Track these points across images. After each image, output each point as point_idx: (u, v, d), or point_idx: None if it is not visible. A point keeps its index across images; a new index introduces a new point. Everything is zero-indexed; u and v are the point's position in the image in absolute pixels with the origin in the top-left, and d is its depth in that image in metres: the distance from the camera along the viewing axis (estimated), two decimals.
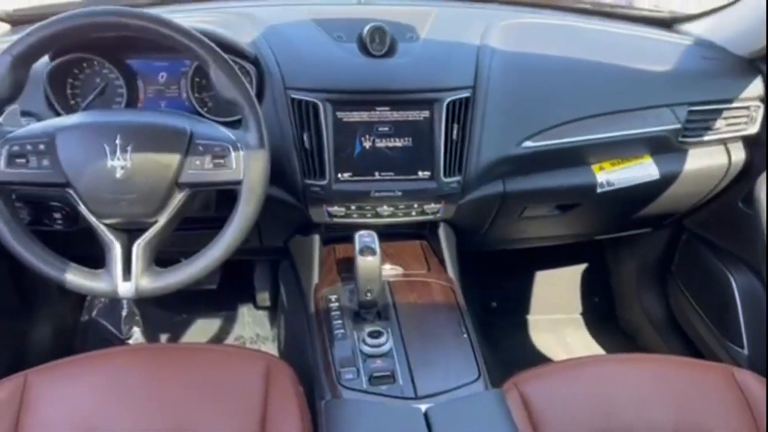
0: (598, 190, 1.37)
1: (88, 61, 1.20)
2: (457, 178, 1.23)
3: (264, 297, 1.95)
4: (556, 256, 1.99)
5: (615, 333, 2.02)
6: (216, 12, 1.34)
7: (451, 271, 1.34)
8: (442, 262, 1.36)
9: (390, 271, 1.31)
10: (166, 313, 1.96)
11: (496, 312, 2.04)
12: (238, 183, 0.98)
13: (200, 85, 1.23)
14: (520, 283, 2.07)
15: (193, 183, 0.99)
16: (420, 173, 1.22)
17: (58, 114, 1.16)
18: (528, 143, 1.26)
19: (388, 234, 1.35)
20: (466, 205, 1.30)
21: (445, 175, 1.22)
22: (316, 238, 1.38)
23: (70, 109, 1.19)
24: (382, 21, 1.23)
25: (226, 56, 0.96)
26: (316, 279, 1.31)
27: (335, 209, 1.25)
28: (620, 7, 1.62)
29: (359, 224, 1.27)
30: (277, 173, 1.13)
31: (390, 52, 1.22)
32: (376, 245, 1.11)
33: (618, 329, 2.04)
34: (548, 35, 1.39)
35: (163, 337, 1.91)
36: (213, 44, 0.95)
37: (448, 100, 1.19)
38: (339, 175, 1.21)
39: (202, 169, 0.98)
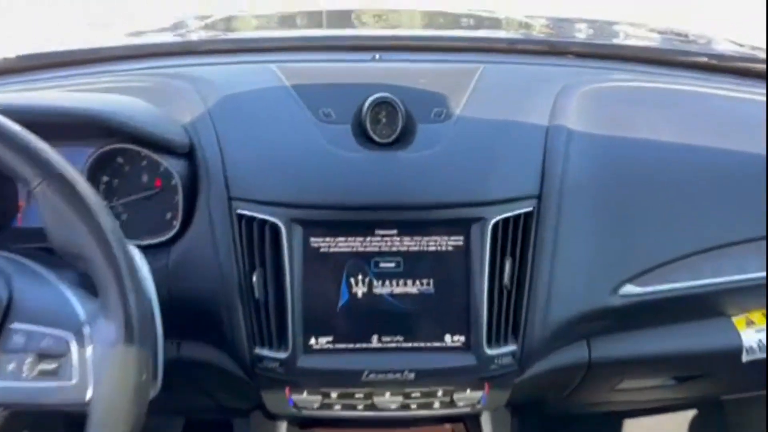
0: (745, 358, 0.86)
1: None
2: (512, 348, 0.76)
3: None
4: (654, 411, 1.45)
5: None
6: (153, 74, 0.91)
7: None
8: None
9: None
10: None
11: None
12: (84, 405, 0.53)
13: (109, 187, 0.80)
14: None
15: (4, 403, 0.54)
16: (447, 340, 0.77)
17: None
18: (630, 288, 0.81)
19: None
20: (526, 383, 0.81)
21: (490, 344, 0.76)
22: (283, 425, 0.90)
23: None
24: (394, 87, 0.80)
25: (65, 170, 0.52)
26: None
27: (304, 398, 0.77)
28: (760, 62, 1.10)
29: (346, 418, 0.79)
30: (212, 332, 0.74)
31: (403, 138, 0.78)
32: None
33: None
34: (655, 108, 0.90)
35: None
36: (42, 148, 0.52)
37: (496, 219, 0.75)
38: (310, 343, 0.75)
39: (18, 380, 0.54)
